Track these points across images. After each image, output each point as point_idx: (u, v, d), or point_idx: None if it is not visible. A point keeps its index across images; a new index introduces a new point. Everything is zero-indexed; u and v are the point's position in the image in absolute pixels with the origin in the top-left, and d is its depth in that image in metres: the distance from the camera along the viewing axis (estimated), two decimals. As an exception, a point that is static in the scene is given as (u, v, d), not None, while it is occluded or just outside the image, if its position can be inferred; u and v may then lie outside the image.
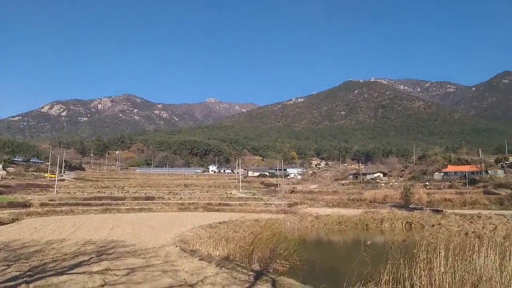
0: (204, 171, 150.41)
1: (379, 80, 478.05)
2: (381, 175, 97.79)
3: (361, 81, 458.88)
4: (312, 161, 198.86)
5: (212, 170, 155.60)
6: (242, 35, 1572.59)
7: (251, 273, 10.31)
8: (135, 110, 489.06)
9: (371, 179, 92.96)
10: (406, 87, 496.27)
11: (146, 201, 52.44)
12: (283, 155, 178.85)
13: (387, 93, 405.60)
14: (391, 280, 8.96)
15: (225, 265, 11.44)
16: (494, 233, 9.28)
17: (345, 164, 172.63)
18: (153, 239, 19.04)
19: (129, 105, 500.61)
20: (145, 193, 62.40)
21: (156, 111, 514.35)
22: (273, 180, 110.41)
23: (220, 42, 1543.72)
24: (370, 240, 10.11)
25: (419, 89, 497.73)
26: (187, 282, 9.14)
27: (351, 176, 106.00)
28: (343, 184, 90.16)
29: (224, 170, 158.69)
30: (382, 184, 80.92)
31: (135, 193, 63.38)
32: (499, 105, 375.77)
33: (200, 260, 12.50)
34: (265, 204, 53.26)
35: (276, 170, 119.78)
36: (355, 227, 36.89)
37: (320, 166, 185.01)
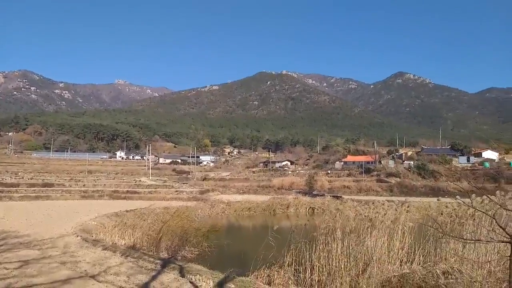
0: (110, 157, 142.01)
1: (290, 73, 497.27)
2: (289, 163, 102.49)
3: (274, 73, 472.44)
4: (225, 149, 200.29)
5: (120, 156, 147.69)
6: (157, 12, 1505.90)
7: (158, 261, 10.16)
8: (33, 88, 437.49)
9: (279, 167, 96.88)
10: (313, 81, 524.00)
11: (44, 188, 48.06)
12: (197, 143, 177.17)
13: (297, 86, 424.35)
14: (293, 262, 9.56)
15: (130, 254, 11.09)
16: (384, 217, 10.37)
17: (257, 153, 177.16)
18: (51, 229, 17.58)
19: (26, 82, 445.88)
20: (43, 180, 56.94)
21: (57, 91, 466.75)
22: (185, 167, 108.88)
23: (132, 19, 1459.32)
24: (276, 225, 10.64)
25: (325, 84, 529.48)
26: (88, 273, 8.67)
27: (261, 164, 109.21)
28: (254, 172, 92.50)
29: (133, 157, 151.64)
30: (289, 172, 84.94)
31: (31, 179, 57.47)
32: (393, 102, 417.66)
33: (104, 249, 11.93)
34: (176, 191, 52.48)
35: (189, 157, 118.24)
36: (263, 212, 38.27)
37: (233, 154, 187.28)
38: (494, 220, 4.77)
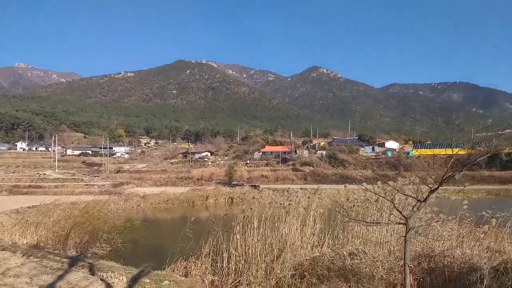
0: (10, 149, 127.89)
1: (210, 62, 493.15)
2: (209, 154, 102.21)
3: (193, 61, 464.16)
4: (141, 140, 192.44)
5: (21, 148, 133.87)
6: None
7: (65, 259, 9.43)
8: None
9: (199, 158, 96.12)
10: (234, 72, 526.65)
11: None
12: (109, 133, 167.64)
13: (217, 76, 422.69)
14: (211, 252, 9.57)
15: (33, 253, 10.13)
16: (297, 205, 10.83)
17: (176, 143, 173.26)
18: None
19: None
20: None
21: None
22: (96, 159, 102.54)
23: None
24: (194, 216, 10.52)
25: (245, 75, 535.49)
26: (-20, 279, 7.73)
27: (180, 155, 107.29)
28: (172, 163, 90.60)
29: (36, 148, 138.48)
30: (209, 163, 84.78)
31: None
32: (308, 95, 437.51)
33: (2, 250, 10.72)
34: (87, 185, 49.25)
35: (101, 148, 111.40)
36: (182, 204, 37.69)
37: (150, 145, 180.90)
38: (392, 204, 5.22)
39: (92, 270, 8.31)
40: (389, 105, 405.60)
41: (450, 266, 7.88)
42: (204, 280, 8.81)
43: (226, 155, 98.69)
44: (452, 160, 4.30)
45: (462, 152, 5.23)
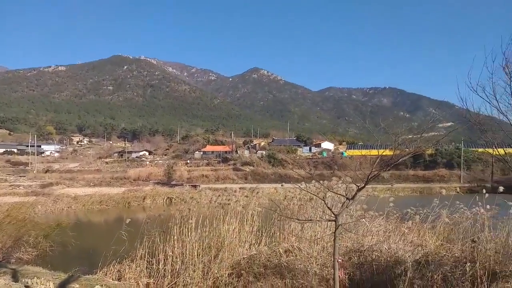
0: None
1: (148, 59, 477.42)
2: (147, 153, 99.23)
3: (131, 57, 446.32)
4: (73, 138, 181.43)
5: None
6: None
7: (-17, 267, 8.65)
8: None
9: (136, 157, 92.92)
10: (174, 70, 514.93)
11: None
12: (38, 130, 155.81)
13: (156, 73, 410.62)
14: (146, 254, 9.32)
15: None
16: (236, 204, 10.91)
17: (111, 142, 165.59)
18: None
19: None
20: None
21: None
22: (23, 158, 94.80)
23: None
24: (129, 218, 10.19)
25: (185, 74, 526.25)
26: None
27: (116, 154, 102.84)
28: (107, 163, 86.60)
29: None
30: (147, 162, 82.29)
31: None
32: (249, 95, 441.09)
33: None
34: (11, 185, 45.54)
35: (28, 146, 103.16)
36: (117, 206, 36.26)
37: (83, 143, 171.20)
38: (323, 202, 5.46)
39: (15, 277, 7.72)
40: (325, 107, 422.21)
41: (378, 260, 8.42)
42: (139, 283, 8.58)
43: (165, 155, 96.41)
44: (377, 160, 4.60)
45: (388, 153, 5.61)
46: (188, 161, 78.48)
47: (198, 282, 8.25)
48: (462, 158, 64.32)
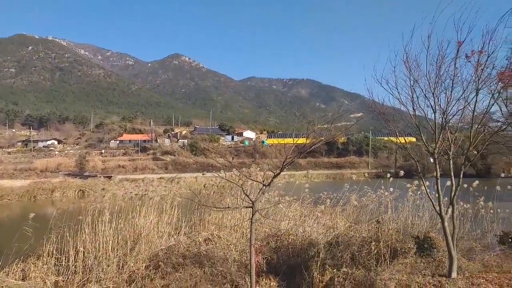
0: None
1: (57, 40, 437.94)
2: (56, 142, 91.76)
3: (37, 37, 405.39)
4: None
5: None
6: None
7: None
8: None
9: (44, 146, 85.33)
10: (87, 53, 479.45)
11: None
12: None
13: (66, 55, 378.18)
14: (54, 251, 8.67)
15: None
16: (153, 194, 10.59)
17: (14, 130, 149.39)
18: None
19: None
20: None
21: None
22: None
23: None
24: (34, 213, 9.35)
25: (100, 57, 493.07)
26: None
27: (20, 144, 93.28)
28: (9, 153, 78.12)
29: None
30: (56, 152, 76.02)
31: None
32: (169, 82, 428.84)
33: None
34: None
35: None
36: (21, 199, 33.06)
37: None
38: (242, 189, 5.52)
39: None
40: (247, 97, 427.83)
41: (294, 243, 8.82)
42: (46, 282, 7.95)
43: (77, 144, 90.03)
44: (292, 148, 4.76)
45: (304, 141, 5.83)
46: (103, 151, 74.20)
47: (113, 276, 7.89)
48: (370, 146, 70.03)
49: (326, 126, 6.13)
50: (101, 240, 8.79)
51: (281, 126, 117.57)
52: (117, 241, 8.86)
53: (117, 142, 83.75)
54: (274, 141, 79.06)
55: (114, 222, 9.10)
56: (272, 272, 7.86)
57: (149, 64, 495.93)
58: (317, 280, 7.20)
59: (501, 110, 7.98)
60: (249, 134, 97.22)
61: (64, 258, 8.63)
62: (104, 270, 8.04)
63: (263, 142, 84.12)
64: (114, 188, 11.90)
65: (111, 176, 45.55)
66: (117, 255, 8.37)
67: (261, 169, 9.49)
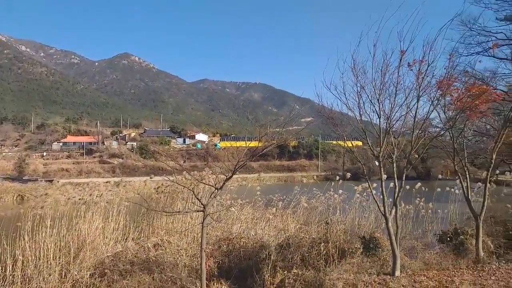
0: None
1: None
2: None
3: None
4: None
5: None
6: None
7: None
8: None
9: (-24, 149, 79.06)
10: (28, 49, 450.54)
11: None
12: None
13: (5, 51, 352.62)
14: (-12, 261, 8.03)
15: None
16: (99, 199, 10.14)
17: None
18: None
19: None
20: None
21: None
22: None
23: None
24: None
25: (42, 54, 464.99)
26: None
27: None
28: None
29: None
30: (-8, 155, 70.69)
31: None
32: (118, 82, 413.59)
33: None
34: None
35: None
36: (-52, 207, 30.35)
37: None
38: (193, 193, 5.44)
39: None
40: (200, 99, 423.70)
41: (245, 246, 8.83)
42: (-23, 296, 7.32)
43: (16, 146, 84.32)
44: (245, 151, 4.78)
45: (255, 144, 5.86)
46: (45, 153, 70.04)
47: (55, 286, 7.45)
48: (319, 149, 72.13)
49: (278, 129, 6.22)
50: (42, 248, 8.27)
51: (234, 129, 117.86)
52: (60, 249, 8.38)
53: (61, 144, 79.55)
54: (227, 144, 79.00)
55: (57, 229, 8.59)
56: (224, 276, 7.81)
57: (96, 63, 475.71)
58: (268, 282, 7.25)
59: (439, 116, 8.59)
60: (201, 137, 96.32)
61: (0, 268, 8.01)
62: (45, 279, 7.57)
63: (216, 145, 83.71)
64: (56, 192, 11.25)
65: (55, 180, 43.11)
66: (59, 263, 7.90)
67: (213, 172, 9.42)
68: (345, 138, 7.63)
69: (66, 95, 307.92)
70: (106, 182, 14.27)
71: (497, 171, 12.30)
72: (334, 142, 70.79)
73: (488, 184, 8.44)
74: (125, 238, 9.33)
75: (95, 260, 8.03)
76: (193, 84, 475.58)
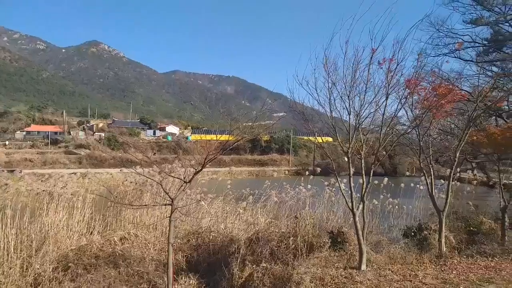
0: None
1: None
2: None
3: None
4: None
5: None
6: None
7: None
8: None
9: None
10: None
11: None
12: None
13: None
14: None
15: None
16: (63, 191, 9.80)
17: None
18: None
19: None
20: None
21: None
22: None
23: None
24: None
25: (6, 39, 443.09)
26: None
27: None
28: None
29: None
30: None
31: None
32: (86, 70, 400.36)
33: None
34: None
35: None
36: None
37: None
38: (161, 186, 5.33)
39: None
40: (171, 91, 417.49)
41: (215, 240, 8.79)
42: None
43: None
44: (215, 144, 4.72)
45: (227, 138, 5.81)
46: (7, 142, 66.97)
47: (15, 280, 7.14)
48: (291, 144, 72.77)
49: (250, 124, 6.19)
50: (2, 240, 7.90)
51: (206, 122, 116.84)
52: (21, 241, 8.03)
53: (24, 133, 76.24)
54: (198, 137, 78.23)
55: (18, 221, 8.22)
56: (192, 270, 7.75)
57: (63, 50, 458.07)
58: (237, 276, 7.25)
59: (407, 114, 8.83)
60: (172, 129, 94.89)
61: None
62: (5, 273, 7.24)
63: (187, 138, 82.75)
64: (18, 183, 10.76)
65: (16, 170, 41.33)
66: (20, 256, 7.58)
67: (183, 165, 9.28)
68: (316, 133, 7.70)
69: (31, 82, 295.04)
70: (72, 173, 13.78)
71: (458, 169, 12.81)
72: (305, 137, 71.65)
73: (451, 182, 8.76)
74: (90, 231, 9.06)
75: (59, 253, 7.75)
76: (165, 75, 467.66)
